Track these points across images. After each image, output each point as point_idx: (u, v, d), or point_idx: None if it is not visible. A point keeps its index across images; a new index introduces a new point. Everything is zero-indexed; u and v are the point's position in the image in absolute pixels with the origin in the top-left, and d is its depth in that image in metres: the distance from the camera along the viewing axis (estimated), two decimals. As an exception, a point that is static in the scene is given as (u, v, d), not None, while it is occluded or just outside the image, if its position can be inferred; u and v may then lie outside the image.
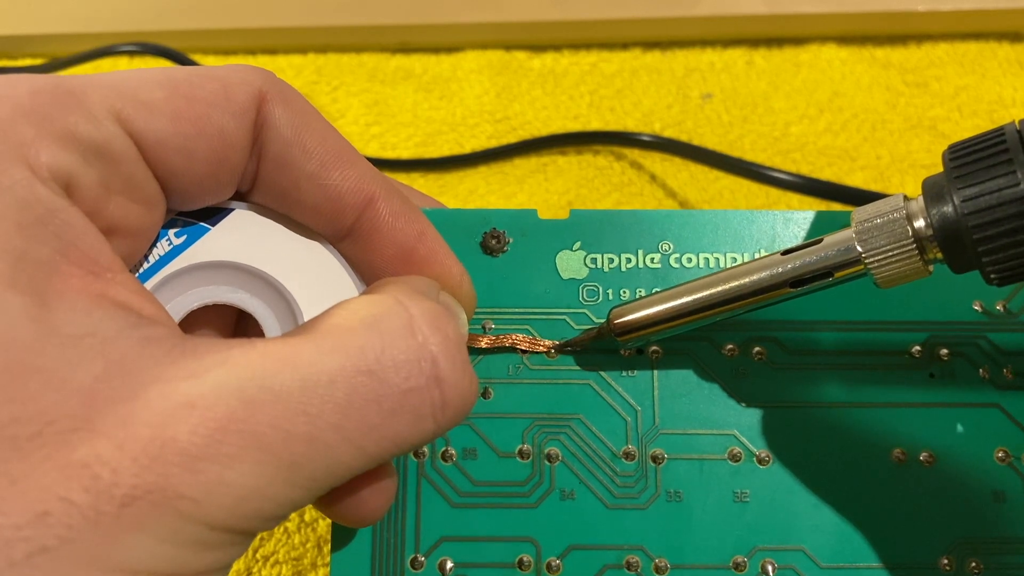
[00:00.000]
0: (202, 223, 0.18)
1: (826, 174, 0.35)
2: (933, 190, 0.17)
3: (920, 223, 0.17)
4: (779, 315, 0.21)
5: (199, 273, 0.18)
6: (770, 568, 0.19)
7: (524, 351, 0.21)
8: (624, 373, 0.21)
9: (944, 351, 0.21)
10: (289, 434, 0.13)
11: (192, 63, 0.35)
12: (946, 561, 0.19)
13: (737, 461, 0.20)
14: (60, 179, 0.14)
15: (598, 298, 0.21)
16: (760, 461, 0.20)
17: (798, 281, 0.19)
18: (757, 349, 0.21)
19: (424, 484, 0.20)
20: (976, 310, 0.21)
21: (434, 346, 0.15)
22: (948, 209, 0.17)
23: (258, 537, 0.28)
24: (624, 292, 0.21)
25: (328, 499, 0.17)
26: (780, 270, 0.19)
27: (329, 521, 0.27)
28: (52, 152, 0.14)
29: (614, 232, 0.22)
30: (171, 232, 0.18)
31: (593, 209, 0.24)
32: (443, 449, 0.20)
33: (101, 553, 0.12)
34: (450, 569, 0.19)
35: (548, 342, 0.21)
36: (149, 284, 0.18)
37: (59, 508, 0.12)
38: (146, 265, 0.18)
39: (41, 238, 0.13)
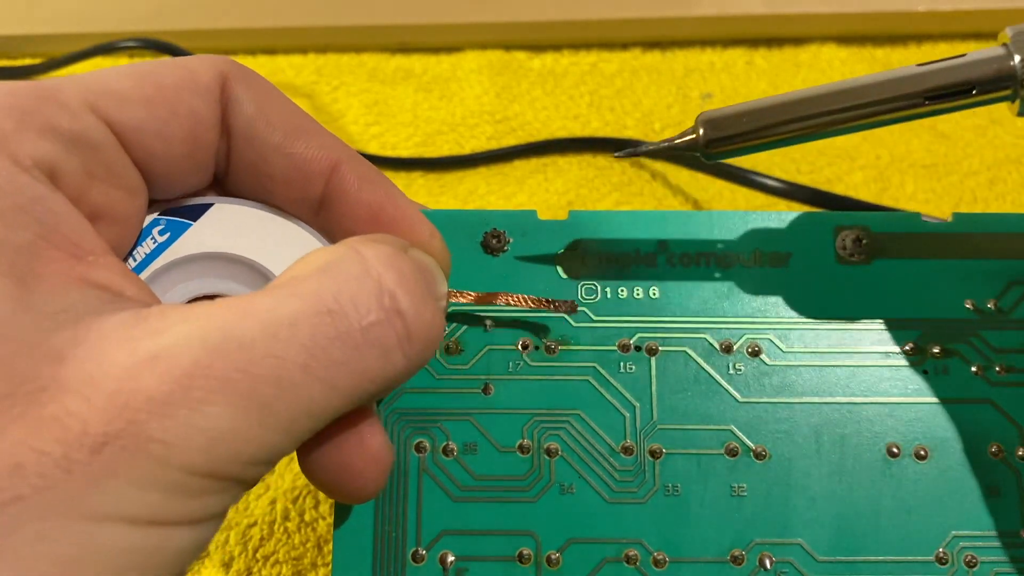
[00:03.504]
0: (184, 220, 0.19)
1: (825, 174, 0.36)
2: None
3: None
4: (774, 313, 0.22)
5: (185, 267, 0.19)
6: (768, 561, 0.20)
7: (511, 304, 0.21)
8: (622, 369, 0.21)
9: (936, 349, 0.22)
10: (256, 377, 0.14)
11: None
12: (942, 553, 0.20)
13: (734, 456, 0.21)
14: (43, 168, 0.15)
15: (596, 296, 0.22)
16: (757, 456, 0.21)
17: (935, 95, 0.18)
18: (753, 346, 0.22)
19: (425, 478, 0.21)
20: (968, 308, 0.22)
21: (390, 281, 0.15)
22: None
23: (258, 537, 0.29)
24: (622, 291, 0.22)
25: (321, 470, 0.17)
26: (915, 77, 0.18)
27: (329, 521, 0.28)
28: (33, 143, 0.15)
29: (613, 232, 0.22)
30: (155, 231, 0.19)
31: (592, 210, 0.25)
32: (444, 444, 0.21)
33: (76, 500, 0.13)
34: (451, 562, 0.20)
35: (535, 299, 0.21)
36: None
37: (32, 459, 0.13)
38: (132, 264, 0.18)
39: (22, 224, 0.14)
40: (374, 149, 0.37)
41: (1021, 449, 0.21)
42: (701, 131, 0.19)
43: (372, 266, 0.16)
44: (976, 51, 0.18)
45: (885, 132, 0.37)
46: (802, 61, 0.38)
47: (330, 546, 0.27)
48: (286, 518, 0.29)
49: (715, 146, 0.19)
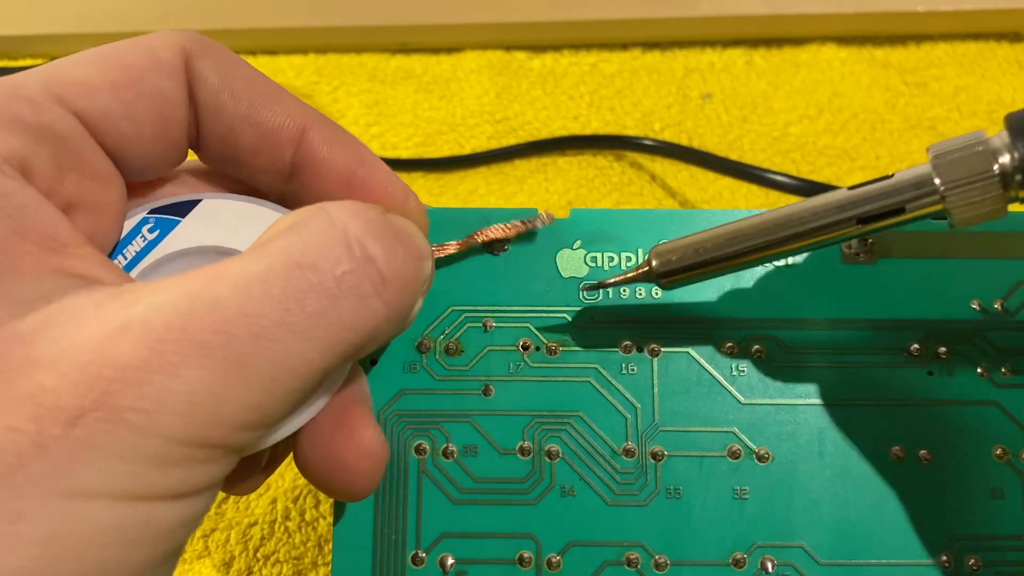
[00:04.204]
0: (173, 217, 0.19)
1: (825, 174, 0.36)
2: (1020, 126, 0.17)
3: (1005, 158, 0.17)
4: (778, 313, 0.22)
5: (175, 262, 0.18)
6: (769, 565, 0.20)
7: (497, 240, 0.21)
8: (624, 370, 0.21)
9: (942, 349, 0.21)
10: (231, 336, 0.13)
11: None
12: (945, 558, 0.20)
13: (736, 458, 0.21)
14: (13, 163, 0.15)
15: (598, 296, 0.22)
16: (759, 458, 0.21)
17: (867, 217, 0.18)
18: (756, 347, 0.21)
19: (425, 481, 0.20)
20: (974, 308, 0.22)
21: (357, 229, 0.15)
22: None
23: (258, 536, 0.29)
24: (624, 291, 0.22)
25: (315, 466, 0.17)
26: (848, 204, 0.18)
27: (330, 520, 0.28)
28: (1, 139, 0.15)
29: (614, 231, 0.22)
30: (144, 229, 0.18)
31: (593, 208, 0.25)
32: (444, 446, 0.21)
33: (54, 477, 0.12)
34: (451, 565, 0.20)
35: (510, 225, 0.21)
36: None
37: (6, 438, 0.12)
38: (122, 262, 0.18)
39: None
40: (374, 149, 0.36)
41: None
42: (653, 263, 0.20)
43: (337, 217, 0.15)
44: (903, 171, 0.18)
45: (884, 132, 0.36)
46: (802, 61, 0.38)
47: (331, 546, 0.27)
48: (287, 517, 0.29)
49: (667, 276, 0.20)
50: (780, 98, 0.37)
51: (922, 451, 0.21)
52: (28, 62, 0.39)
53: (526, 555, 0.20)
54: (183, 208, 0.19)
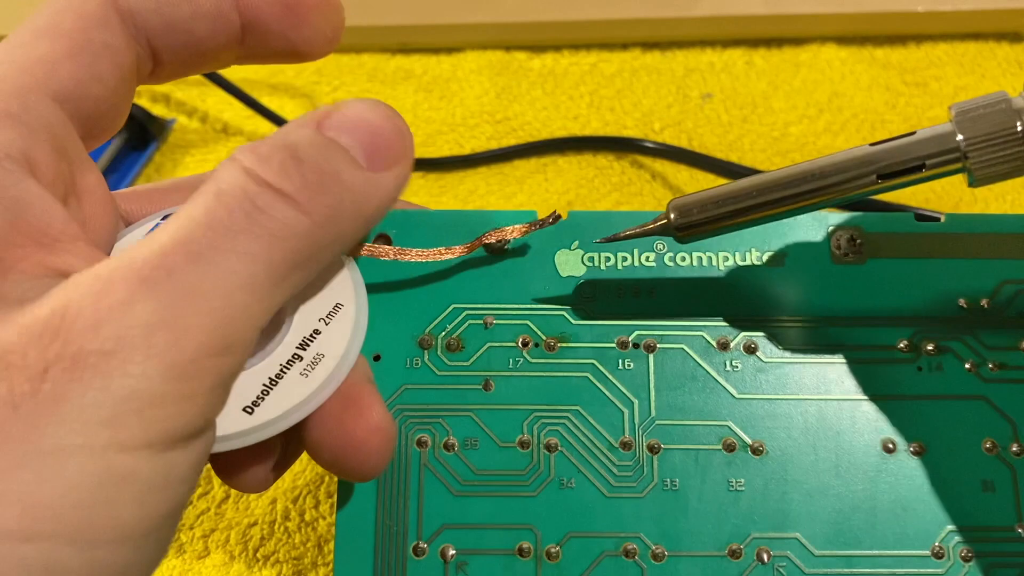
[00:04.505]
0: None
1: (826, 174, 0.36)
2: None
3: None
4: (770, 312, 0.23)
5: None
6: (765, 555, 0.20)
7: (499, 240, 0.22)
8: (621, 366, 0.22)
9: (930, 346, 0.22)
10: (173, 267, 0.14)
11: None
12: (938, 548, 0.21)
13: (731, 451, 0.21)
14: (15, 157, 0.15)
15: (595, 296, 0.23)
16: (754, 451, 0.21)
17: (887, 172, 0.19)
18: (750, 344, 0.22)
19: (426, 473, 0.21)
20: (961, 306, 0.23)
21: (251, 159, 0.16)
22: None
23: (258, 537, 0.29)
24: (621, 291, 0.23)
25: (326, 446, 0.18)
26: (869, 159, 0.19)
27: (330, 520, 0.28)
28: None
29: (611, 232, 0.23)
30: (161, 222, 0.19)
31: (590, 211, 0.26)
32: (445, 439, 0.22)
33: (32, 436, 0.13)
34: (452, 556, 0.20)
35: (520, 227, 0.22)
36: None
37: None
38: None
39: None
40: (374, 149, 0.37)
41: (1015, 445, 0.22)
42: (672, 216, 0.21)
43: (238, 158, 0.16)
44: (924, 129, 0.19)
45: (884, 132, 0.37)
46: (802, 61, 0.39)
47: (330, 545, 0.28)
48: (286, 518, 0.29)
49: (685, 230, 0.21)
50: (780, 98, 0.38)
51: (913, 444, 0.22)
52: (28, 62, 0.39)
53: (525, 546, 0.20)
54: None
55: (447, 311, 0.23)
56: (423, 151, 0.37)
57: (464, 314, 0.23)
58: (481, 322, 0.22)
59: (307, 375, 0.18)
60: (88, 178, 0.18)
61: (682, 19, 0.39)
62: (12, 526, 0.13)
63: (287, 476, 0.30)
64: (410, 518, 0.21)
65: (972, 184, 0.19)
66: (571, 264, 0.23)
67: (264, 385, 0.18)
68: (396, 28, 0.39)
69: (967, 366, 0.22)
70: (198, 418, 0.14)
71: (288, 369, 0.18)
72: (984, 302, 0.23)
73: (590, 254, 0.23)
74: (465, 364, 0.22)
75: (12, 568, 0.13)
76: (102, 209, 0.18)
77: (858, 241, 0.23)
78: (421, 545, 0.20)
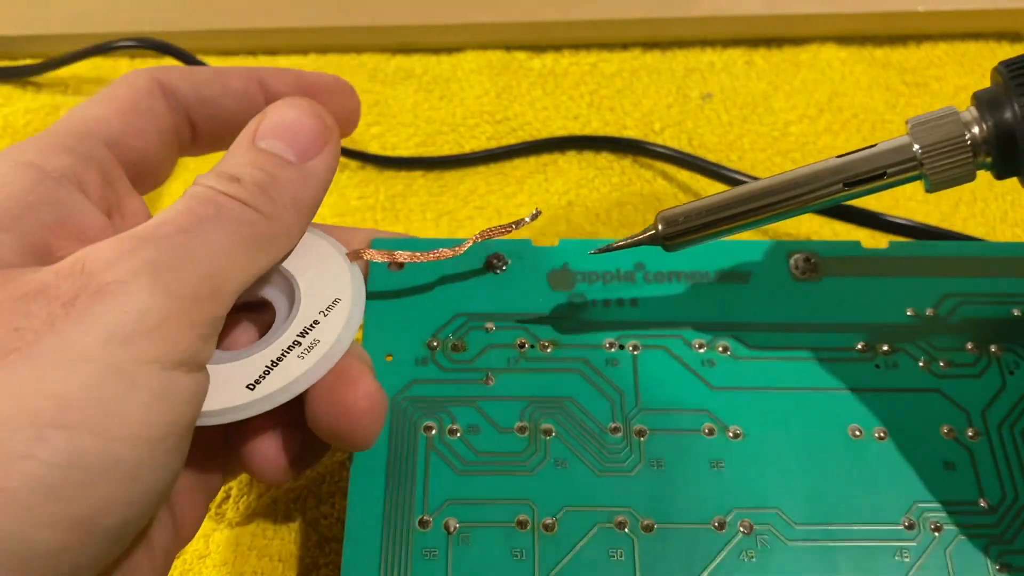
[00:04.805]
0: None
1: (825, 174, 0.41)
2: (987, 100, 0.23)
3: (975, 129, 0.23)
4: (738, 318, 0.28)
5: None
6: (748, 526, 0.25)
7: (480, 239, 0.27)
8: (608, 364, 0.27)
9: (885, 347, 0.27)
10: (167, 234, 0.21)
11: (193, 59, 0.40)
12: (909, 520, 0.25)
13: (712, 435, 0.26)
14: (69, 178, 0.23)
15: (583, 304, 0.28)
16: (733, 436, 0.26)
17: (852, 181, 0.24)
18: (722, 344, 0.28)
19: (432, 455, 0.26)
20: (909, 315, 0.28)
21: (211, 179, 0.23)
22: (1007, 115, 0.23)
23: (259, 536, 0.31)
24: (607, 302, 0.28)
25: (324, 416, 0.23)
26: (834, 168, 0.24)
27: (330, 521, 0.31)
28: (56, 159, 0.23)
29: (596, 256, 0.28)
30: None
31: (578, 239, 0.32)
32: (449, 425, 0.26)
33: (64, 345, 0.18)
34: (455, 528, 0.25)
35: (498, 228, 0.27)
36: None
37: (25, 323, 0.19)
38: None
39: (42, 210, 0.22)
40: (375, 149, 0.41)
41: (970, 430, 0.26)
42: (660, 227, 0.26)
43: (197, 180, 0.23)
44: (884, 142, 0.24)
45: (885, 132, 0.41)
46: (802, 61, 0.43)
47: (332, 545, 0.31)
48: (287, 517, 0.32)
49: (672, 239, 0.26)
50: (780, 98, 0.42)
51: (877, 430, 0.26)
52: (28, 62, 0.44)
53: (523, 518, 0.25)
54: None
55: (451, 319, 0.28)
56: (423, 151, 0.41)
57: (467, 322, 0.28)
58: (483, 328, 0.28)
59: (303, 357, 0.23)
60: (132, 204, 0.25)
61: (682, 19, 0.43)
62: (46, 416, 0.18)
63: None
64: (416, 495, 0.25)
65: (929, 189, 0.24)
66: (563, 282, 0.29)
67: (266, 367, 0.23)
68: (396, 28, 0.43)
69: (920, 364, 0.27)
70: (192, 348, 0.20)
71: (288, 353, 0.23)
72: (930, 311, 0.28)
73: (579, 272, 0.29)
74: (468, 362, 0.27)
75: (48, 453, 0.18)
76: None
77: (813, 261, 0.29)
78: (426, 518, 0.25)
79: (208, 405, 0.22)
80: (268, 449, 0.24)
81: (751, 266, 0.29)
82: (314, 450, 0.25)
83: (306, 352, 0.23)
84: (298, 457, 0.25)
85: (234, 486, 0.32)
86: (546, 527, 0.25)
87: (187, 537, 0.25)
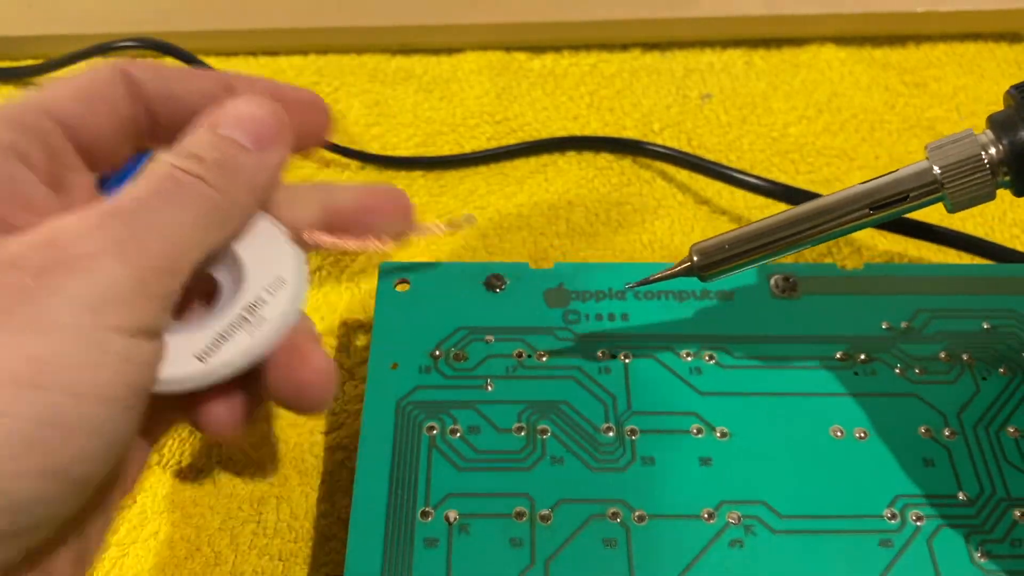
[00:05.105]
0: None
1: (824, 174, 0.43)
2: (1001, 122, 0.26)
3: (992, 150, 0.26)
4: (723, 331, 0.32)
5: None
6: (737, 517, 0.27)
7: (421, 235, 0.30)
8: (601, 372, 0.31)
9: (863, 356, 0.31)
10: (131, 210, 0.23)
11: (194, 59, 0.43)
12: (891, 512, 0.28)
13: (700, 435, 0.29)
14: (14, 150, 0.24)
15: (578, 320, 0.32)
16: (721, 435, 0.29)
17: (877, 205, 0.27)
18: (708, 354, 0.31)
19: (434, 453, 0.29)
20: (884, 328, 0.31)
21: (175, 155, 0.25)
22: (1022, 134, 0.25)
23: (258, 535, 0.33)
24: (599, 316, 0.32)
25: (281, 388, 0.26)
26: (859, 195, 0.27)
27: (330, 520, 0.33)
28: (3, 133, 0.24)
29: (589, 278, 0.33)
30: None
31: (571, 262, 0.36)
32: (451, 426, 0.29)
33: (37, 314, 0.21)
34: (455, 519, 0.27)
35: (437, 225, 0.31)
36: None
37: (3, 290, 0.21)
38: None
39: None
40: (375, 149, 0.44)
41: (947, 430, 0.29)
42: (695, 259, 0.28)
43: (158, 157, 0.25)
44: (905, 167, 0.27)
45: (884, 133, 0.44)
46: (802, 62, 0.46)
47: (332, 544, 0.32)
48: (288, 517, 0.33)
49: (707, 270, 0.28)
50: (779, 98, 0.45)
51: (858, 431, 0.29)
52: (28, 62, 0.46)
53: (521, 510, 0.28)
54: None
55: (454, 332, 0.32)
56: (423, 151, 0.44)
57: (468, 334, 0.32)
58: (482, 340, 0.31)
59: (251, 334, 0.26)
60: (79, 179, 0.27)
61: (682, 19, 0.46)
62: (24, 377, 0.20)
63: (290, 475, 0.34)
64: (419, 489, 0.28)
65: (950, 210, 0.27)
66: (559, 300, 0.32)
67: (215, 340, 0.26)
68: (396, 28, 0.46)
69: (896, 371, 0.31)
70: (153, 317, 0.23)
71: (237, 329, 0.26)
72: (904, 324, 0.32)
73: (574, 292, 0.33)
74: (468, 370, 0.31)
75: (26, 410, 0.20)
76: (88, 204, 0.26)
77: (792, 280, 0.32)
78: (428, 510, 0.28)
79: (161, 373, 0.25)
80: (217, 410, 0.27)
81: (734, 286, 0.32)
82: (256, 406, 0.28)
83: (252, 328, 0.26)
84: (243, 415, 0.28)
85: (234, 486, 0.34)
86: (543, 518, 0.27)
87: (129, 489, 0.28)
